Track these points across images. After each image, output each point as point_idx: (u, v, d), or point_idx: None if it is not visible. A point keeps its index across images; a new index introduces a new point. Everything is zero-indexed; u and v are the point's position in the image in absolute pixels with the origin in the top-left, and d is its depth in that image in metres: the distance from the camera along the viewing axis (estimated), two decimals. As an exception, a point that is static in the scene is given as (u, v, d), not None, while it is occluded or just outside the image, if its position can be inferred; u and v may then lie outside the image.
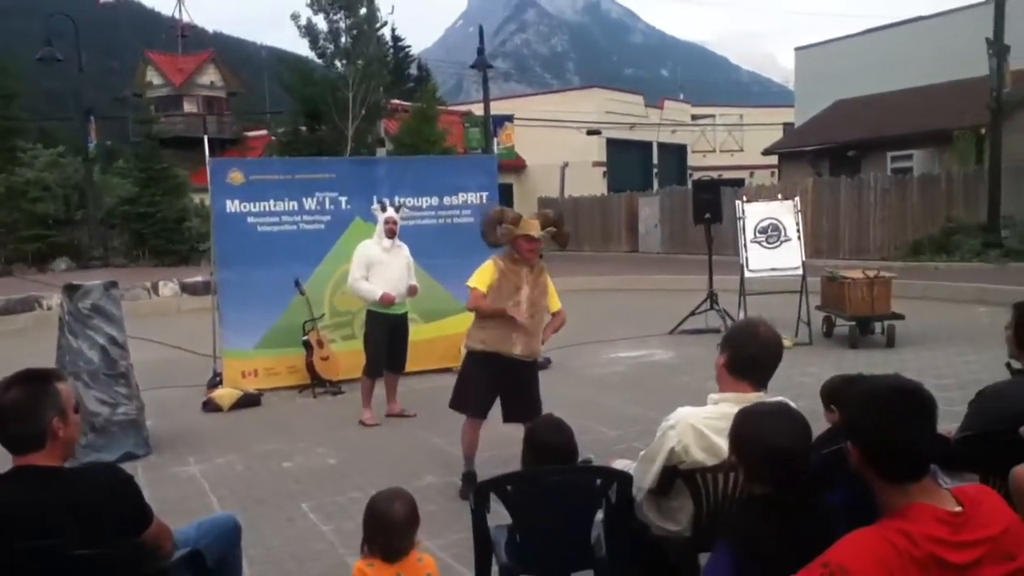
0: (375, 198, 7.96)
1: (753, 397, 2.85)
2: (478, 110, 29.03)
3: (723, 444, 2.81)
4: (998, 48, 15.97)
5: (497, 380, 5.06)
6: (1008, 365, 3.55)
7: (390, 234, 7.04)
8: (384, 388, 7.19)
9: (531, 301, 5.05)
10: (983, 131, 18.06)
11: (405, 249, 7.19)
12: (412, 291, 7.10)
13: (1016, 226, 16.67)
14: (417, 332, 8.15)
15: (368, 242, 7.14)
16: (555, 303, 5.32)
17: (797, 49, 30.23)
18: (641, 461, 3.07)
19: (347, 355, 8.16)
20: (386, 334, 6.94)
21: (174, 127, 37.48)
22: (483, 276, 5.08)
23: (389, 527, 2.61)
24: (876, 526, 1.83)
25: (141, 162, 26.16)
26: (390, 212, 7.18)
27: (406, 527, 2.64)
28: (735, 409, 2.62)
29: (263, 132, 35.10)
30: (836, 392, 3.23)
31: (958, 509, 1.82)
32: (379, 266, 6.94)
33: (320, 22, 25.57)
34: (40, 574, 2.42)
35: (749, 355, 2.94)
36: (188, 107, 40.86)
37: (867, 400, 1.93)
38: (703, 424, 2.89)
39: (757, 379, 2.93)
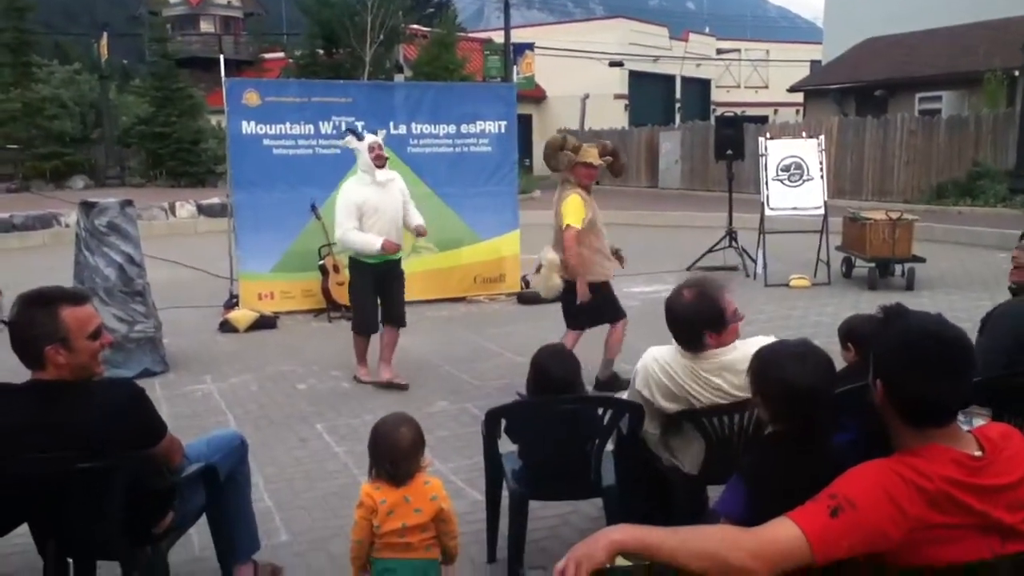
0: (344, 124, 7.38)
1: (721, 351, 2.95)
2: (498, 38, 28.50)
3: (683, 388, 2.95)
4: (1038, -14, 15.44)
5: (599, 299, 5.56)
6: (1010, 288, 3.89)
7: (380, 162, 5.78)
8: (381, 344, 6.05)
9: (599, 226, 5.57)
10: (1016, 74, 17.58)
11: (397, 179, 6.01)
12: (421, 231, 6.07)
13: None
14: (432, 262, 8.15)
15: (351, 183, 5.87)
16: None
17: (828, -17, 29.35)
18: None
19: (362, 281, 8.17)
20: (373, 284, 5.89)
21: (190, 47, 37.08)
22: (578, 212, 5.36)
23: (395, 452, 2.62)
24: (887, 459, 1.80)
25: (157, 81, 25.90)
26: (370, 137, 5.88)
27: (412, 451, 2.65)
28: (694, 363, 2.95)
29: (280, 55, 34.70)
30: (854, 331, 3.20)
31: (978, 453, 1.78)
32: (373, 208, 5.72)
33: (339, -59, 24.98)
34: (48, 486, 2.47)
35: (672, 329, 3.05)
36: (204, 27, 40.40)
37: (905, 345, 1.82)
38: (662, 373, 2.98)
39: (691, 345, 2.99)
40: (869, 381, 1.90)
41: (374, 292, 5.90)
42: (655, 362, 3.01)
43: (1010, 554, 1.73)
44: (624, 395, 3.36)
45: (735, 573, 1.68)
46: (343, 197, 5.81)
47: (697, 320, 2.96)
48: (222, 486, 2.97)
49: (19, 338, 2.46)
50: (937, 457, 1.75)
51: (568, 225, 5.33)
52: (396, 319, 5.97)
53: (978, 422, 2.54)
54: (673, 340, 3.06)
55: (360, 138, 5.86)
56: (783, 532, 1.71)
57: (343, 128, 8.52)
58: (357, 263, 5.89)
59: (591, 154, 5.44)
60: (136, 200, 7.03)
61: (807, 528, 1.69)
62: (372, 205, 5.70)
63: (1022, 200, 15.62)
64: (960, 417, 2.55)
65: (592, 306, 5.49)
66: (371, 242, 5.67)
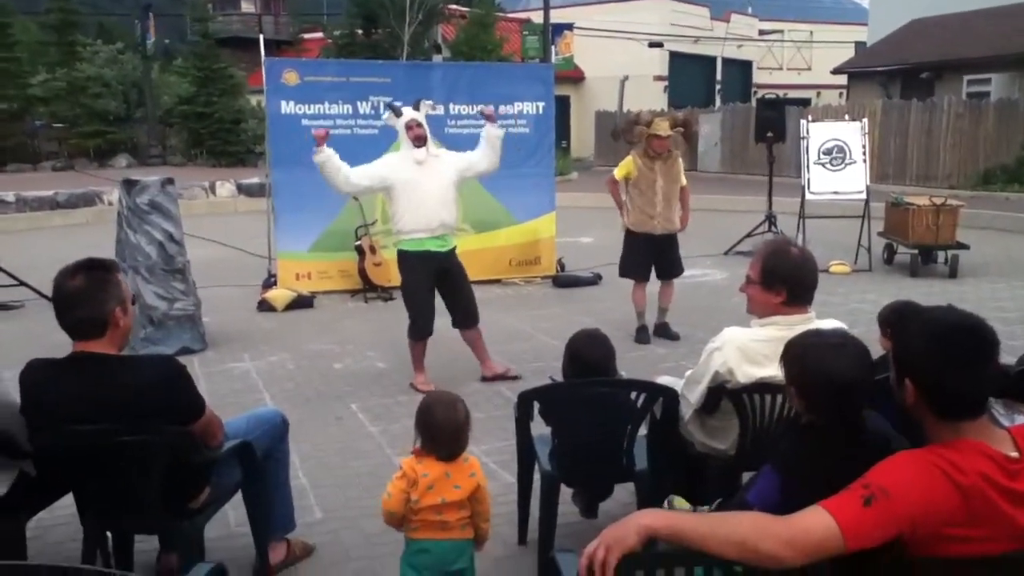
0: (382, 104, 7.39)
1: (800, 319, 2.79)
2: (537, 18, 28.32)
3: (770, 365, 2.77)
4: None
5: (648, 250, 6.50)
6: None
7: (418, 141, 5.31)
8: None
9: (664, 191, 6.37)
10: (1070, 55, 17.08)
11: (449, 159, 5.52)
12: (489, 117, 5.64)
13: (1096, 157, 15.92)
14: (467, 243, 8.13)
15: (393, 156, 5.55)
16: (681, 179, 6.50)
17: (875, -38, 28.71)
18: (687, 382, 3.05)
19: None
20: (430, 280, 5.33)
21: (230, 26, 37.32)
22: (623, 167, 6.46)
23: (454, 427, 2.61)
24: (922, 450, 1.78)
25: (198, 61, 26.21)
26: (409, 113, 5.41)
27: (467, 426, 2.65)
28: (784, 332, 2.62)
29: (319, 35, 34.81)
30: (894, 318, 3.14)
31: (1014, 454, 1.74)
32: (412, 187, 5.25)
33: (379, -79, 24.94)
34: (91, 458, 2.51)
35: (790, 281, 2.80)
36: (245, 6, 40.57)
37: (925, 339, 1.81)
38: (750, 347, 2.84)
39: (802, 301, 2.84)
40: (893, 384, 1.87)
41: (430, 290, 5.36)
42: (741, 338, 2.84)
43: None
44: (666, 380, 3.33)
45: (765, 560, 1.68)
46: (378, 161, 5.49)
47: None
48: (259, 463, 3.01)
49: (87, 302, 2.49)
50: (970, 451, 1.73)
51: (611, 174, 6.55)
52: (468, 318, 5.50)
53: (1020, 419, 2.48)
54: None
55: (398, 114, 5.43)
56: (815, 521, 1.69)
57: (381, 107, 8.55)
58: (405, 257, 5.31)
59: (660, 127, 6.27)
60: (177, 179, 7.11)
61: (840, 517, 1.68)
62: (411, 184, 5.23)
63: (1073, 186, 15.24)
64: (1000, 410, 2.51)
65: (632, 259, 6.56)
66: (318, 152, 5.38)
